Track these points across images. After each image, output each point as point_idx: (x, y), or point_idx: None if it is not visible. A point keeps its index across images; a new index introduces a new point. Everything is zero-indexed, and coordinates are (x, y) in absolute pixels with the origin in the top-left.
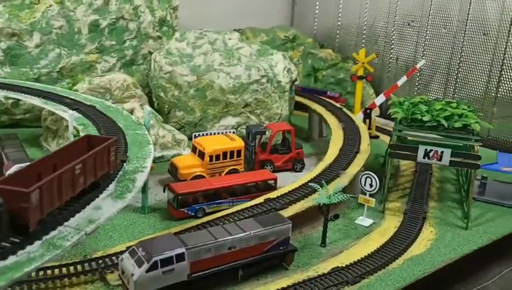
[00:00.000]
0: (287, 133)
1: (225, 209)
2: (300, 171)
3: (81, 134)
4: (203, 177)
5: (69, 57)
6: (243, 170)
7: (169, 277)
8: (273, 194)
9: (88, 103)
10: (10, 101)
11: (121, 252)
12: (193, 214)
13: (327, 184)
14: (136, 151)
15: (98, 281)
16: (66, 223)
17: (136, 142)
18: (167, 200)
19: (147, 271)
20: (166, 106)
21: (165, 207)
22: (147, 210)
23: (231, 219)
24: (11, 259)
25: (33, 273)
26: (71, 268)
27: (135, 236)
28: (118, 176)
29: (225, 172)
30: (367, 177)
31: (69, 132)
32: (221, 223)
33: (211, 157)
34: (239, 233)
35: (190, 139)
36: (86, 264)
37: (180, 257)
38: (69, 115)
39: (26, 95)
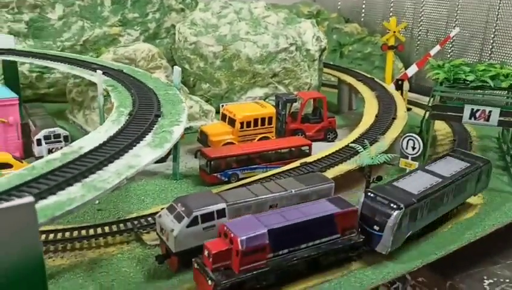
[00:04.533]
0: (319, 102)
1: (258, 174)
2: (333, 141)
3: (111, 94)
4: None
5: (92, 30)
6: (274, 137)
7: (210, 233)
8: (310, 158)
9: (115, 68)
10: (34, 74)
11: (155, 213)
12: (226, 179)
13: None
14: (170, 108)
15: (134, 241)
16: (105, 168)
17: (168, 101)
18: (199, 166)
19: (188, 226)
20: (192, 79)
21: (196, 174)
22: (179, 177)
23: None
24: (52, 199)
25: (68, 233)
26: (106, 228)
27: (168, 200)
28: (154, 128)
29: (256, 140)
30: (409, 139)
31: (98, 92)
32: (261, 182)
33: (241, 124)
34: (280, 191)
35: (217, 112)
36: (122, 225)
37: (221, 213)
38: (97, 75)
39: (53, 62)
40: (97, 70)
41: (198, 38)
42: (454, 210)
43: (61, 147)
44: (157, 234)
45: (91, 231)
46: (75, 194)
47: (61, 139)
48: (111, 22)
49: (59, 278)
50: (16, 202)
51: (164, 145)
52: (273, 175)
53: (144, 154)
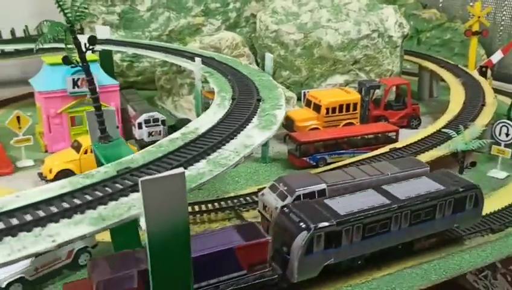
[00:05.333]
0: (402, 89)
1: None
2: (417, 128)
3: (209, 80)
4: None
5: (178, 20)
6: (358, 124)
7: None
8: (398, 144)
9: (207, 55)
10: (125, 63)
11: (253, 193)
12: (314, 163)
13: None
14: (268, 93)
15: (234, 218)
16: (223, 147)
17: (264, 86)
18: (288, 150)
19: None
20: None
21: (284, 158)
22: (268, 160)
23: None
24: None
25: None
26: (209, 205)
27: (260, 182)
28: (258, 112)
29: (341, 126)
30: (503, 125)
31: (196, 78)
32: (356, 165)
33: (327, 109)
34: (377, 174)
35: (299, 99)
36: (223, 203)
37: (321, 193)
38: (196, 63)
39: (149, 51)
40: (195, 58)
41: (279, 26)
42: (427, 242)
43: (160, 131)
44: (259, 211)
45: (196, 208)
46: (203, 169)
47: (159, 123)
48: (195, 12)
49: None
50: (170, 172)
51: (271, 127)
52: (359, 162)
53: (254, 135)
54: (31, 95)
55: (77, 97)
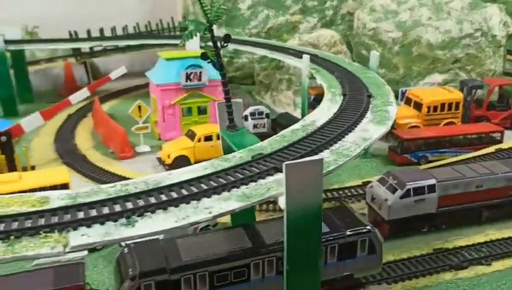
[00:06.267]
0: (505, 90)
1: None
2: None
3: (316, 77)
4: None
5: (276, 18)
6: (459, 123)
7: (419, 206)
8: (505, 145)
9: (312, 52)
10: (226, 59)
11: (357, 186)
12: (416, 160)
13: None
14: (376, 89)
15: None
16: (343, 139)
17: (371, 83)
18: (388, 147)
19: (401, 197)
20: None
21: (383, 154)
22: (368, 155)
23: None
24: None
25: None
26: None
27: (362, 175)
28: (370, 107)
29: (441, 125)
30: None
31: (303, 74)
32: (465, 163)
33: (428, 108)
34: (487, 173)
35: (396, 97)
36: (329, 194)
37: (431, 188)
38: (304, 59)
39: (257, 48)
40: (303, 55)
41: (378, 24)
42: None
43: (264, 123)
44: (367, 203)
45: None
46: (328, 158)
47: (264, 116)
48: (292, 10)
49: None
50: (310, 158)
51: (386, 122)
52: (462, 161)
53: (370, 129)
54: (139, 87)
55: (189, 90)
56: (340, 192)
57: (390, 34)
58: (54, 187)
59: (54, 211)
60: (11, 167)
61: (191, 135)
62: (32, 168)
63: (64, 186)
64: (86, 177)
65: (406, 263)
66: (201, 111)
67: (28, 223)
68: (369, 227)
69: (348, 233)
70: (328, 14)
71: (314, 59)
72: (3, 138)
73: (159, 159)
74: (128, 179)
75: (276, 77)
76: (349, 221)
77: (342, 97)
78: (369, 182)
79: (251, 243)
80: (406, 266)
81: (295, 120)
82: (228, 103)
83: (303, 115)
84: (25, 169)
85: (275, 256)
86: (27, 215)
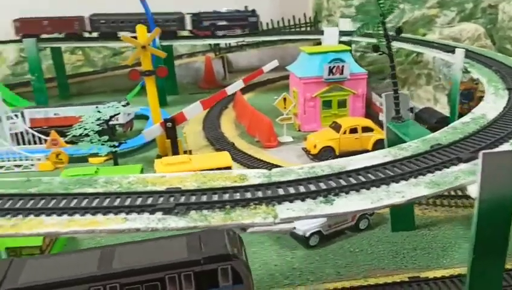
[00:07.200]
0: None
1: None
2: None
3: (471, 70)
4: None
5: (412, 12)
6: None
7: None
8: None
9: (459, 46)
10: (358, 54)
11: None
12: None
13: None
14: None
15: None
16: None
17: None
18: None
19: None
20: None
21: None
22: None
23: None
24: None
25: None
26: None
27: None
28: None
29: None
30: None
31: (457, 69)
32: None
33: None
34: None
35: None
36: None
37: None
38: (458, 53)
39: (410, 44)
40: (456, 49)
41: None
42: None
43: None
44: None
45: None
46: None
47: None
48: (429, 4)
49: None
50: (504, 149)
51: None
52: None
53: None
54: (272, 80)
55: (330, 83)
56: None
57: None
58: (218, 169)
59: (257, 187)
60: (175, 151)
61: (336, 127)
62: (190, 152)
63: (227, 168)
64: (237, 163)
65: None
66: (341, 104)
67: (237, 196)
68: (233, 254)
69: (203, 261)
70: (467, 8)
71: (471, 56)
72: (169, 124)
73: (304, 149)
74: (278, 166)
75: (414, 72)
76: (213, 247)
77: (507, 92)
78: None
79: (97, 269)
80: None
81: (439, 115)
82: (395, 95)
83: (453, 110)
84: (185, 153)
85: (117, 283)
86: (235, 189)
